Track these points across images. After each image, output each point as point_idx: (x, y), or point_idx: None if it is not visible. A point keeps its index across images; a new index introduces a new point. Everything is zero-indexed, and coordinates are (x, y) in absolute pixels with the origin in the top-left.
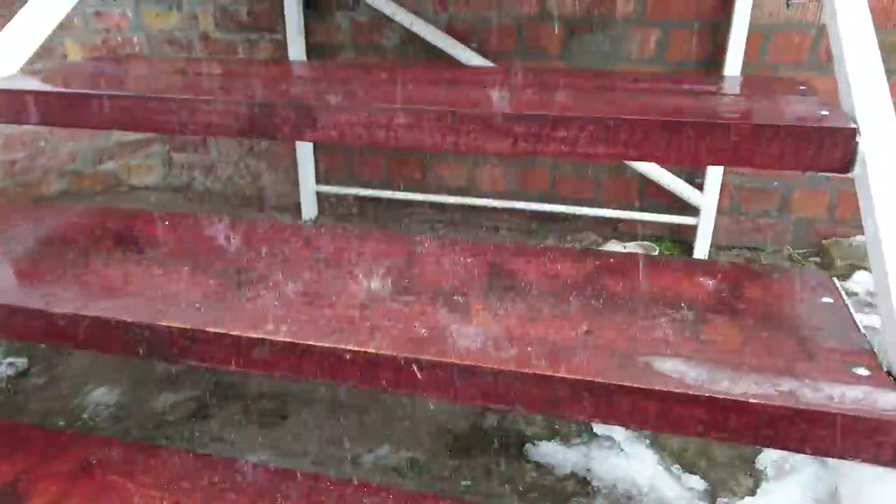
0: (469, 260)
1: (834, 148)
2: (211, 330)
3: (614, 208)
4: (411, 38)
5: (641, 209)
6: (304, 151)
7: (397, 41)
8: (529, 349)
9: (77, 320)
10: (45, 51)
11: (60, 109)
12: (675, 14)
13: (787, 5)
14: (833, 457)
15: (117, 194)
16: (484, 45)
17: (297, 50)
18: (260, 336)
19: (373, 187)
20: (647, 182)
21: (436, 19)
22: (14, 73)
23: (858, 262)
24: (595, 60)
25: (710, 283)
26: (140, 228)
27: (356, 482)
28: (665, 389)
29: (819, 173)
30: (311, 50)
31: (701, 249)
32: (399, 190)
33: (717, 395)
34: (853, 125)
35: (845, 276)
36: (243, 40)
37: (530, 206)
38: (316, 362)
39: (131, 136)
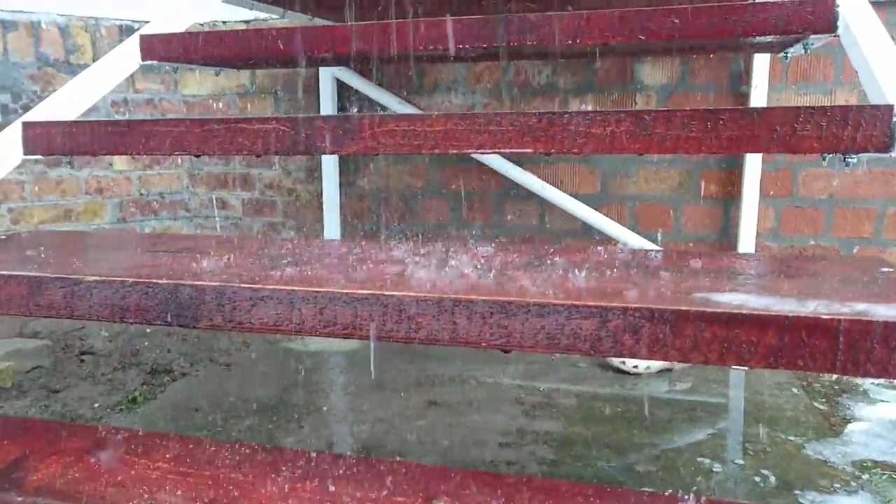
0: (514, 254)
1: (872, 127)
2: (244, 285)
3: None
4: None
5: None
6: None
7: None
8: (576, 291)
9: (103, 286)
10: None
11: (118, 137)
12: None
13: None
14: None
15: None
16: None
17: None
18: (291, 288)
19: None
20: None
21: None
22: (73, 118)
23: None
24: (614, 160)
25: (760, 262)
26: (175, 240)
27: (401, 462)
28: (731, 311)
29: (859, 154)
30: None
31: None
32: None
33: (789, 315)
34: (889, 103)
35: None
36: None
37: None
38: (351, 313)
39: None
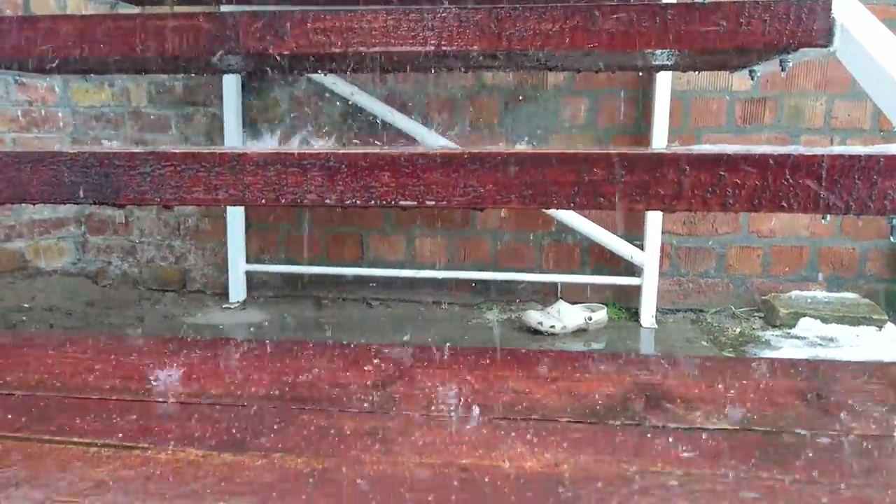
0: None
1: (812, 21)
2: (179, 150)
3: (558, 273)
4: (352, 112)
5: (585, 273)
6: (235, 228)
7: (336, 115)
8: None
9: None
10: None
11: None
12: (602, 83)
13: (752, 77)
14: None
15: (19, 278)
16: (423, 117)
17: (233, 124)
18: (236, 150)
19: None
20: (589, 245)
21: (375, 93)
22: None
23: (801, 310)
24: (531, 129)
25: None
26: None
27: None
28: (715, 153)
29: (801, 50)
30: (248, 124)
31: (647, 312)
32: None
33: (773, 154)
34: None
35: (791, 325)
36: (177, 115)
37: (472, 276)
38: (301, 174)
39: (45, 213)
